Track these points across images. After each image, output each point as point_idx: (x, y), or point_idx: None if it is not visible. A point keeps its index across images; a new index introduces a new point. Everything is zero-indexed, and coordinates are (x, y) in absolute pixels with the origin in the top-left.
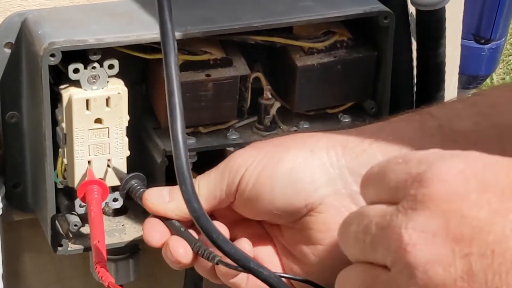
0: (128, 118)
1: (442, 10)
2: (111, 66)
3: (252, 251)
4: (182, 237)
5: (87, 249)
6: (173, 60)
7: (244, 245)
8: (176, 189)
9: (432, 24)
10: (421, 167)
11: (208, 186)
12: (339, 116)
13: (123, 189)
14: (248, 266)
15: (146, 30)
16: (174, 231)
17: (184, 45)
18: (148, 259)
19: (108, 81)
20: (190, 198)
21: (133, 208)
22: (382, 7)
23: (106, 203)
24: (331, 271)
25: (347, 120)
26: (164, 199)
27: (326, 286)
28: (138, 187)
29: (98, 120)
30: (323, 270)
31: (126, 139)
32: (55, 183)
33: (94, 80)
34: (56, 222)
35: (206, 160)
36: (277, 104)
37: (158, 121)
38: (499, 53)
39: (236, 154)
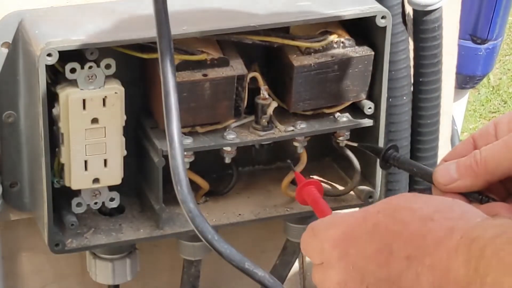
0: (125, 117)
1: (439, 10)
2: (108, 66)
3: None
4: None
5: (84, 248)
6: (170, 60)
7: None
8: (462, 164)
9: (429, 24)
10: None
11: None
12: (336, 116)
13: (382, 159)
14: (243, 267)
15: (143, 29)
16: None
17: (181, 45)
18: (145, 258)
19: (105, 81)
20: (185, 198)
21: (130, 208)
22: (379, 7)
23: (103, 202)
24: None
25: (344, 119)
26: (452, 177)
27: None
28: (397, 155)
29: (95, 120)
30: None
31: (123, 139)
32: (52, 183)
33: (91, 80)
34: (53, 221)
35: (203, 160)
36: (274, 104)
37: (155, 120)
38: (495, 53)
39: None
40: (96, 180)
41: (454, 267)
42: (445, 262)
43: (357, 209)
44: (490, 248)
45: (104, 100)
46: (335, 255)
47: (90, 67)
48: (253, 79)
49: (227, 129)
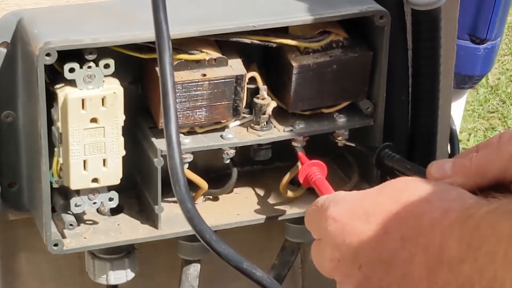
0: (123, 117)
1: (438, 10)
2: (106, 66)
3: None
4: None
5: (83, 248)
6: (168, 60)
7: None
8: (457, 163)
9: (427, 24)
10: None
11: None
12: (334, 115)
13: (377, 157)
14: (241, 267)
15: (142, 29)
16: None
17: (180, 45)
18: (144, 258)
19: (103, 81)
20: (183, 198)
21: (128, 208)
22: (378, 7)
23: (101, 202)
24: None
25: (342, 119)
26: (445, 173)
27: None
28: (392, 154)
29: (94, 120)
30: None
31: (122, 139)
32: (51, 183)
33: (89, 80)
34: (52, 221)
35: (202, 160)
36: (273, 104)
37: (154, 120)
38: (494, 53)
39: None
40: (95, 180)
41: (447, 246)
42: (439, 242)
43: None
44: (485, 221)
45: (103, 100)
46: (332, 232)
47: (89, 67)
48: (252, 79)
49: (226, 129)
